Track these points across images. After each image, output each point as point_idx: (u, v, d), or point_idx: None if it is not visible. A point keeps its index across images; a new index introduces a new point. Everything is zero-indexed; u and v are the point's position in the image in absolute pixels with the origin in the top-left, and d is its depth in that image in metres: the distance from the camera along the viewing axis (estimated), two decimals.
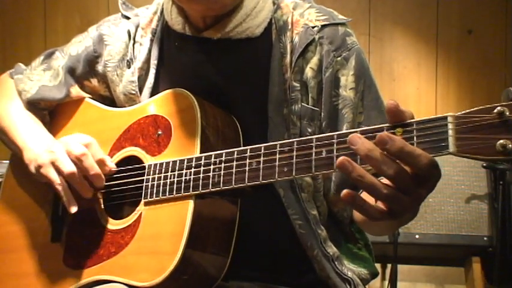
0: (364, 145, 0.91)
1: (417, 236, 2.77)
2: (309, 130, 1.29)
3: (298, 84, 1.30)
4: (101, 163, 1.33)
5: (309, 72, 1.30)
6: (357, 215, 1.30)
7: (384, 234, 1.34)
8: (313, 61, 1.30)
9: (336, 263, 1.31)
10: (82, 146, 1.31)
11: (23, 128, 1.45)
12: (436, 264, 3.15)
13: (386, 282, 2.98)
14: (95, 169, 1.31)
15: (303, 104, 1.30)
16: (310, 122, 1.30)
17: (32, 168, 1.35)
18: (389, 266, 2.93)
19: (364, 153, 0.90)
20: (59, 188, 1.31)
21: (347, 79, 1.31)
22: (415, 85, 3.74)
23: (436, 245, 2.78)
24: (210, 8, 1.29)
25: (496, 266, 2.70)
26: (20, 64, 1.60)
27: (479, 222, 2.77)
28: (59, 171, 1.31)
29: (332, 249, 1.32)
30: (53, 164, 1.31)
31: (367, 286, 1.39)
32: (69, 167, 1.30)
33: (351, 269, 1.34)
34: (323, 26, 1.32)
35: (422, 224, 2.78)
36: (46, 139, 1.40)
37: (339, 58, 1.31)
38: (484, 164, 2.75)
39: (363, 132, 0.97)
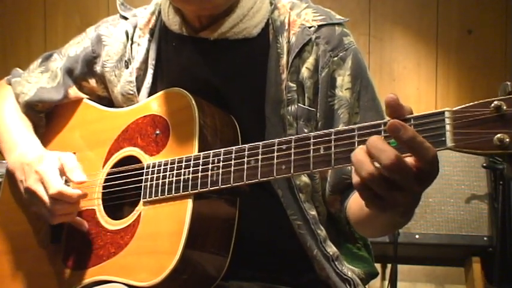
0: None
1: (417, 236, 2.76)
2: (306, 131, 1.28)
3: (294, 85, 1.30)
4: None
5: (305, 72, 1.30)
6: (351, 216, 1.30)
7: (376, 237, 1.34)
8: (309, 61, 1.30)
9: (336, 263, 1.31)
10: (57, 180, 1.32)
11: (11, 136, 1.47)
12: (436, 264, 3.15)
13: (386, 282, 2.98)
14: (73, 199, 1.32)
15: (299, 104, 1.30)
16: (307, 122, 1.30)
17: (24, 199, 1.38)
18: (389, 266, 2.93)
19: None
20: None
21: (343, 79, 1.31)
22: (415, 85, 3.73)
23: (436, 245, 2.77)
24: (204, 7, 1.29)
25: (496, 266, 2.69)
26: (18, 69, 1.60)
27: (479, 222, 2.76)
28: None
29: (332, 249, 1.31)
30: (38, 201, 1.33)
31: (367, 286, 1.39)
32: (51, 202, 1.30)
33: (350, 268, 1.34)
34: (320, 26, 1.32)
35: (422, 224, 2.77)
36: (28, 152, 1.41)
37: (335, 58, 1.31)
38: (484, 164, 2.75)
39: (360, 129, 0.97)
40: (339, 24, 1.34)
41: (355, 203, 1.27)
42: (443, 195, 2.79)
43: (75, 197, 1.30)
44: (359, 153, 0.92)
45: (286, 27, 1.32)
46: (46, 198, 1.30)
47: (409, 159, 0.90)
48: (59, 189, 1.29)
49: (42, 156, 1.37)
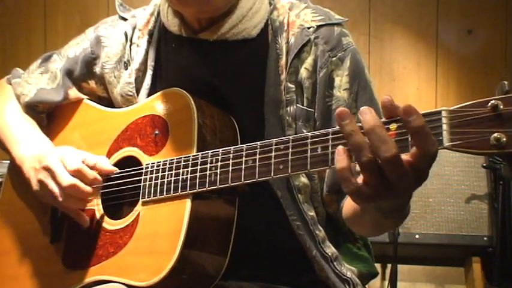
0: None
1: (417, 236, 2.76)
2: (304, 131, 1.28)
3: (293, 85, 1.30)
4: (102, 170, 1.34)
5: (303, 72, 1.30)
6: (344, 214, 1.30)
7: (367, 236, 1.35)
8: (308, 61, 1.30)
9: (335, 263, 1.31)
10: (77, 158, 1.32)
11: (17, 132, 1.46)
12: (436, 264, 3.15)
13: (386, 282, 2.98)
14: (93, 181, 1.32)
15: (298, 105, 1.30)
16: (306, 123, 1.30)
17: (34, 186, 1.36)
18: (389, 266, 2.93)
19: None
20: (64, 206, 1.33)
21: (341, 80, 1.31)
22: (415, 85, 3.73)
23: (436, 245, 2.77)
24: (203, 10, 1.30)
25: (496, 266, 2.69)
26: (18, 69, 1.60)
27: (479, 222, 2.76)
28: (58, 185, 1.31)
29: (331, 250, 1.31)
30: (52, 178, 1.32)
31: (367, 286, 1.39)
32: (68, 180, 1.30)
33: (350, 269, 1.34)
34: (319, 27, 1.32)
35: (422, 224, 2.77)
36: (39, 145, 1.41)
37: (334, 58, 1.31)
38: (484, 164, 2.75)
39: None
40: (338, 24, 1.34)
41: (347, 201, 1.27)
42: (443, 195, 2.79)
43: (92, 178, 1.32)
44: (358, 137, 0.91)
45: (285, 27, 1.32)
46: (63, 184, 1.30)
47: (404, 157, 0.90)
48: (72, 182, 1.30)
49: (52, 150, 1.38)
